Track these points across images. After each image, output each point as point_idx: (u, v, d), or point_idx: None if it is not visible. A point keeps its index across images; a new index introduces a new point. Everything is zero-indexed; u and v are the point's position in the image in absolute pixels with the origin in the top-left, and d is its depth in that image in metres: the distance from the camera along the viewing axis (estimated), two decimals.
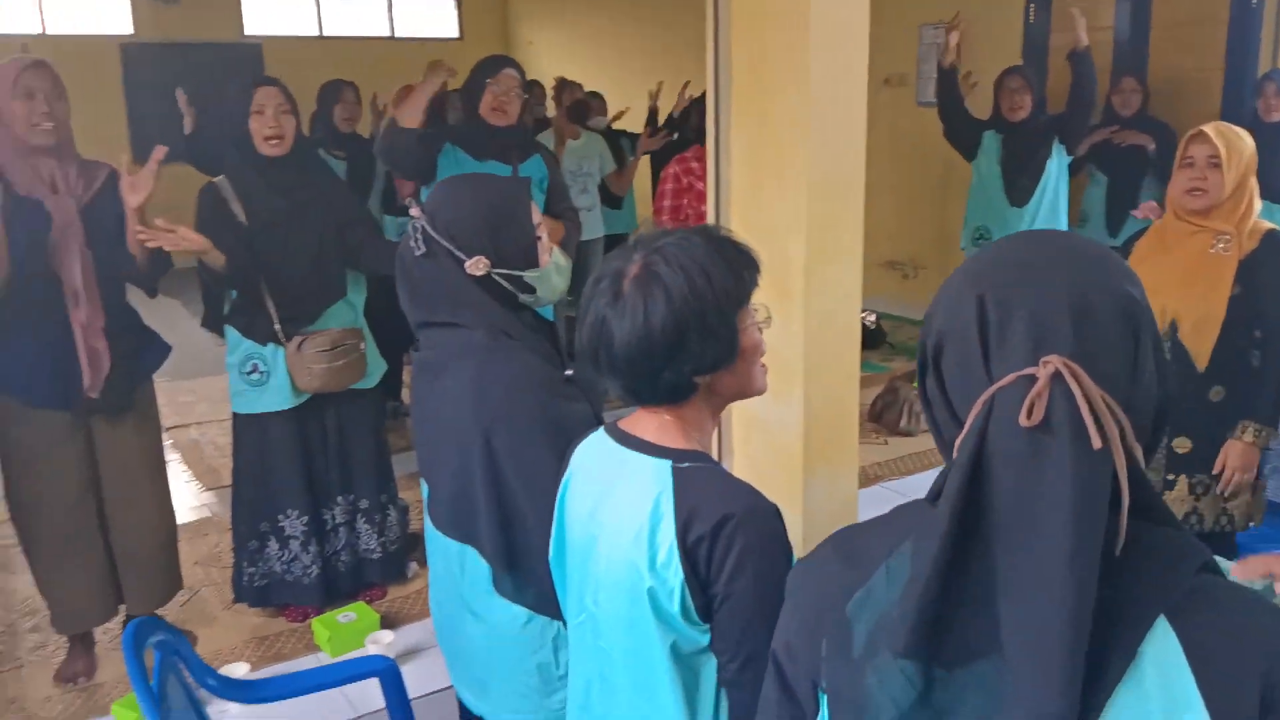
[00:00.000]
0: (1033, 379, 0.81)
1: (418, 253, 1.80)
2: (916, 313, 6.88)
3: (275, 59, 9.96)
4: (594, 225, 5.59)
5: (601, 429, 1.47)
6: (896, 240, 7.24)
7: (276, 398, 3.01)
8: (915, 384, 4.16)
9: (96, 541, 2.91)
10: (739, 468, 3.47)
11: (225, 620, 3.23)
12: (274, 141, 2.93)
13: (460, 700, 1.94)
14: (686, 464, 1.34)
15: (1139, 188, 4.95)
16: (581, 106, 5.67)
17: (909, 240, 7.25)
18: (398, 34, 11.09)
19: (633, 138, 6.43)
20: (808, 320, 3.16)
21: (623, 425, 1.43)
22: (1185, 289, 2.75)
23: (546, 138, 5.60)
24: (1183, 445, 2.77)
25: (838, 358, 3.26)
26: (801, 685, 0.96)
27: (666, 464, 1.34)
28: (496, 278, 1.79)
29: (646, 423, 1.40)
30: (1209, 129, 2.82)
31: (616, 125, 6.72)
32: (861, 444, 4.76)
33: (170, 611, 3.19)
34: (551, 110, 6.64)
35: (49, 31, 9.52)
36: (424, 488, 1.91)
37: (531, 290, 1.83)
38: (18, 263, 2.63)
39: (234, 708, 2.69)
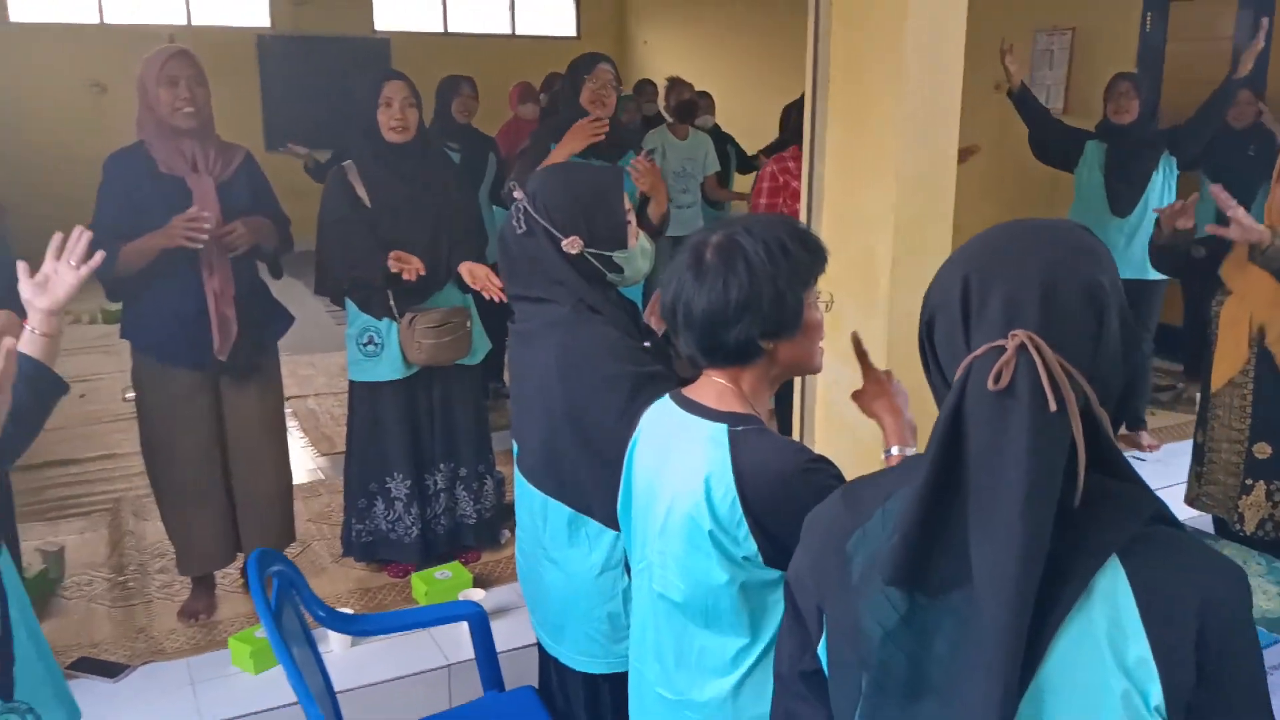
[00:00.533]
0: (1002, 349, 0.94)
1: (519, 231, 1.98)
2: None
3: (402, 53, 10.37)
4: (692, 223, 5.74)
5: (667, 395, 1.62)
6: None
7: (388, 368, 3.23)
8: None
9: (220, 492, 3.17)
10: (819, 448, 3.58)
11: (333, 572, 3.48)
12: (399, 131, 3.15)
13: (539, 643, 2.11)
14: (741, 427, 1.48)
15: (1251, 200, 4.87)
16: (689, 105, 5.81)
17: None
18: (518, 31, 11.42)
19: (737, 145, 6.56)
20: (892, 315, 3.25)
21: (686, 392, 1.58)
22: (1273, 298, 2.76)
23: (659, 135, 5.77)
24: (1262, 450, 2.78)
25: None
26: (809, 612, 1.10)
27: (723, 427, 1.48)
28: (588, 256, 1.95)
29: (707, 390, 1.54)
30: None
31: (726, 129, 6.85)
32: None
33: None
34: (662, 107, 6.80)
35: (193, 23, 10.08)
36: (514, 446, 2.09)
37: (619, 270, 1.99)
38: (136, 256, 2.86)
39: (337, 644, 2.93)
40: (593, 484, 1.87)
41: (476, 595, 3.12)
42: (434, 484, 3.37)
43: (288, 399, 5.08)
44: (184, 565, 3.24)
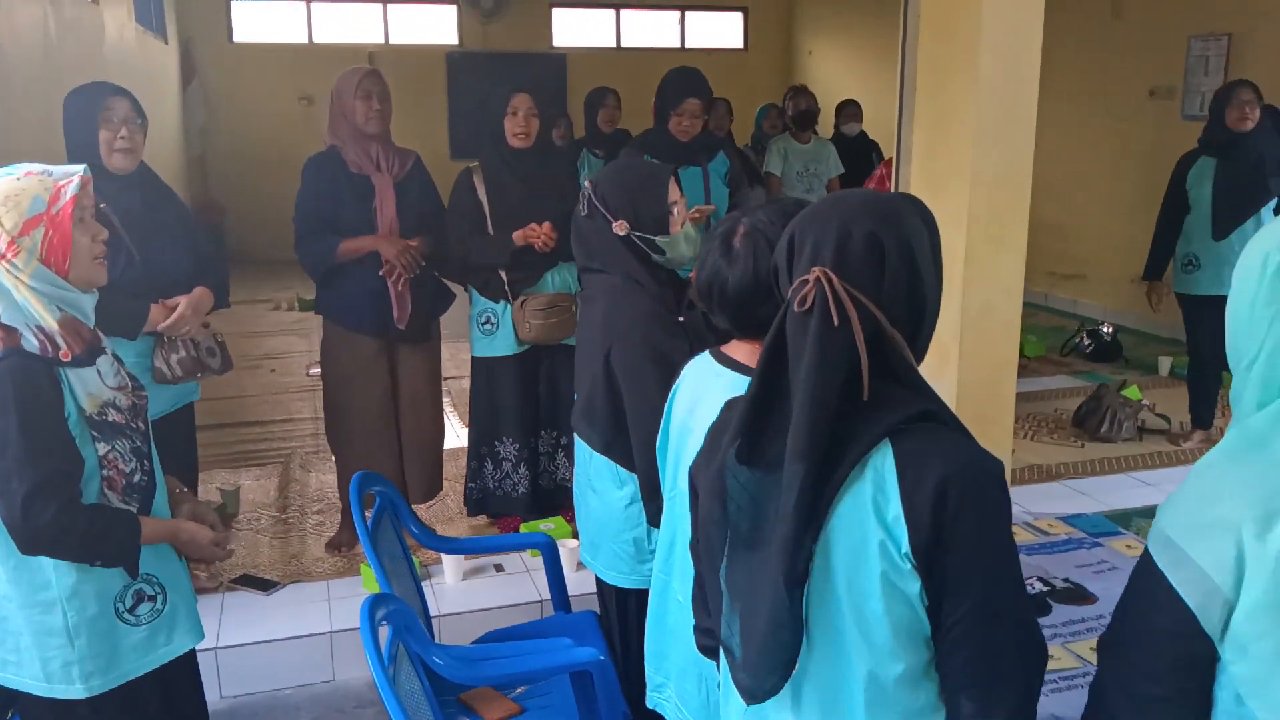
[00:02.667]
0: (807, 281, 1.25)
1: (583, 214, 2.37)
2: (1163, 330, 6.72)
3: (578, 68, 11.01)
4: None
5: (706, 351, 1.92)
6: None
7: (503, 345, 3.68)
8: (1122, 392, 4.36)
9: (393, 438, 3.68)
10: None
11: (459, 521, 3.97)
12: (521, 138, 3.59)
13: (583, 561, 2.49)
14: None
15: None
16: (807, 114, 6.11)
17: None
18: (688, 45, 11.87)
19: (881, 152, 6.76)
20: (965, 308, 3.46)
21: (723, 349, 1.88)
22: None
23: (781, 140, 6.07)
24: None
25: (994, 346, 3.54)
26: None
27: (748, 379, 1.79)
28: (634, 238, 2.32)
29: (740, 349, 1.82)
30: None
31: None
32: (1059, 445, 4.92)
33: (421, 510, 3.97)
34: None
35: (391, 41, 11.03)
36: (575, 395, 2.47)
37: (662, 252, 2.34)
38: (349, 221, 3.43)
39: (450, 575, 3.40)
40: (614, 430, 2.22)
41: (571, 544, 3.51)
42: (539, 448, 3.80)
43: (445, 379, 5.68)
44: (347, 498, 3.75)
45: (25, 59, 4.73)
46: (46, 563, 1.84)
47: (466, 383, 6.06)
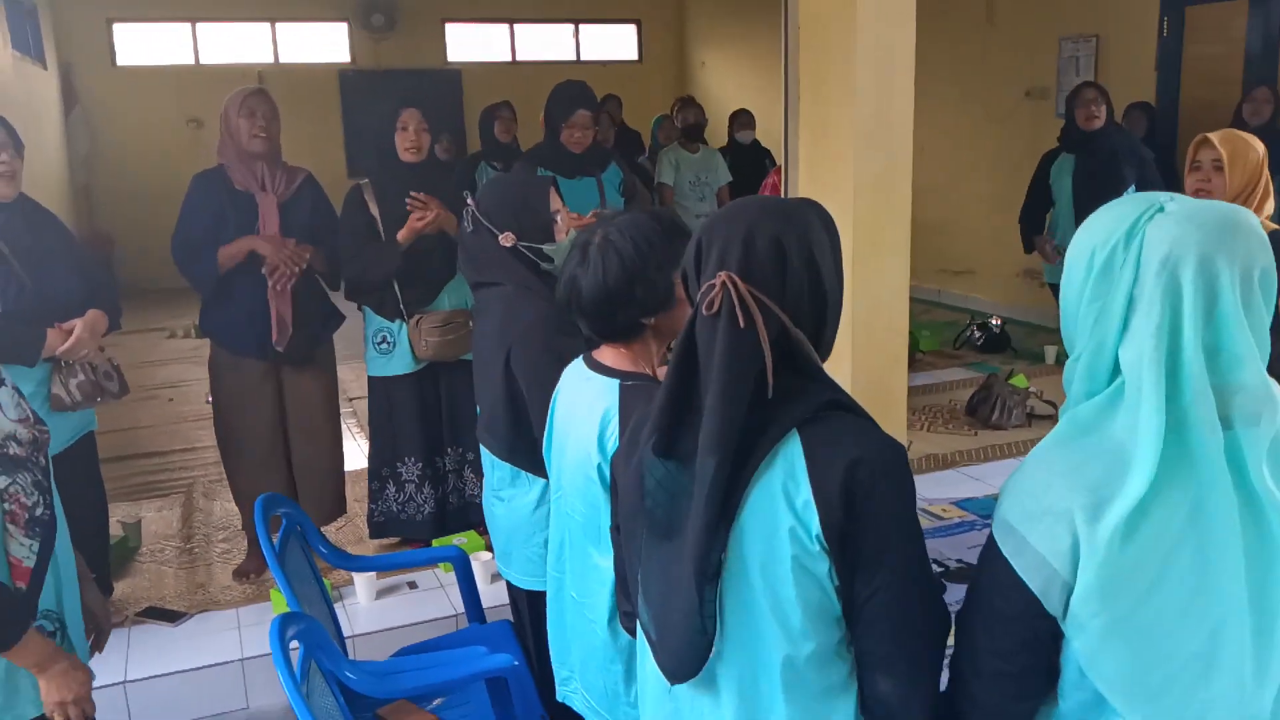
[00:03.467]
0: (713, 286, 1.32)
1: (468, 230, 2.42)
2: (1048, 320, 7.02)
3: (473, 82, 11.01)
4: None
5: (580, 357, 2.01)
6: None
7: (400, 364, 3.69)
8: (1010, 381, 4.60)
9: (282, 463, 3.65)
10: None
11: (369, 543, 3.96)
12: (412, 152, 3.62)
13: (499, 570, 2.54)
14: (630, 382, 1.87)
15: None
16: (695, 126, 6.27)
17: None
18: (583, 58, 11.96)
19: (774, 158, 6.94)
20: (854, 309, 3.58)
21: (593, 354, 1.96)
22: None
23: (672, 151, 6.20)
24: None
25: (883, 344, 3.68)
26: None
27: (615, 382, 1.87)
28: (521, 249, 2.38)
29: (607, 354, 1.93)
30: (1214, 135, 3.05)
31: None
32: (952, 434, 5.12)
33: (329, 532, 3.95)
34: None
35: (281, 60, 10.88)
36: (479, 409, 2.52)
37: (551, 260, 2.40)
38: (230, 239, 3.40)
39: (363, 596, 3.40)
40: (516, 436, 2.28)
41: (484, 557, 3.55)
42: (444, 466, 3.81)
43: (353, 399, 5.64)
44: (249, 528, 3.72)
45: None
46: None
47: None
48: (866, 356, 3.64)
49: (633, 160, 6.39)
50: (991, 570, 1.22)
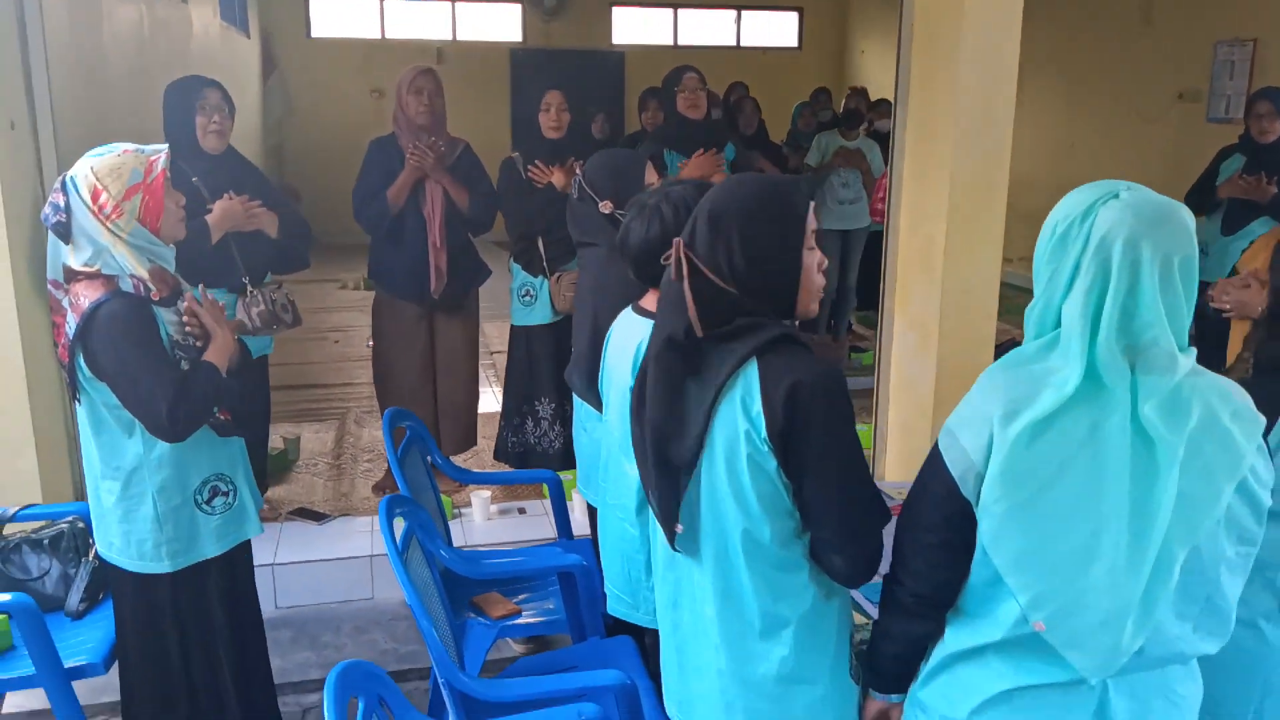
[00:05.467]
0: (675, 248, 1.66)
1: (574, 196, 2.81)
2: None
3: (635, 64, 11.45)
4: (858, 217, 6.37)
5: (630, 305, 2.35)
6: None
7: (540, 314, 4.15)
8: None
9: (429, 395, 4.17)
10: (892, 415, 4.20)
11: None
12: (554, 130, 4.05)
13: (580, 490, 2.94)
14: None
15: None
16: (854, 113, 6.42)
17: None
18: (743, 44, 12.24)
19: None
20: (945, 292, 3.82)
21: (640, 302, 2.31)
22: None
23: (828, 137, 6.39)
24: None
25: (971, 326, 3.88)
26: None
27: (650, 322, 2.19)
28: (618, 215, 2.75)
29: (650, 299, 2.24)
30: None
31: None
32: None
33: (462, 459, 4.45)
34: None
35: (458, 38, 11.58)
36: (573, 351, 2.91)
37: None
38: (396, 194, 3.91)
39: (479, 514, 3.88)
40: (592, 380, 2.65)
41: None
42: (570, 410, 4.23)
43: (494, 353, 6.18)
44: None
45: (122, 55, 5.31)
46: (141, 464, 2.32)
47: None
48: (954, 337, 3.85)
49: (766, 142, 6.61)
50: (930, 461, 1.53)
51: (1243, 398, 1.46)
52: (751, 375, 1.61)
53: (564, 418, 4.24)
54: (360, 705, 1.68)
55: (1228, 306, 2.91)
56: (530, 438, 4.27)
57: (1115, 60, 7.76)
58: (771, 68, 11.42)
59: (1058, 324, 1.48)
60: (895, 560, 1.60)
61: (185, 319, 2.32)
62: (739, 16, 12.22)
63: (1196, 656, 1.52)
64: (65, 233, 2.24)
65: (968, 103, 3.70)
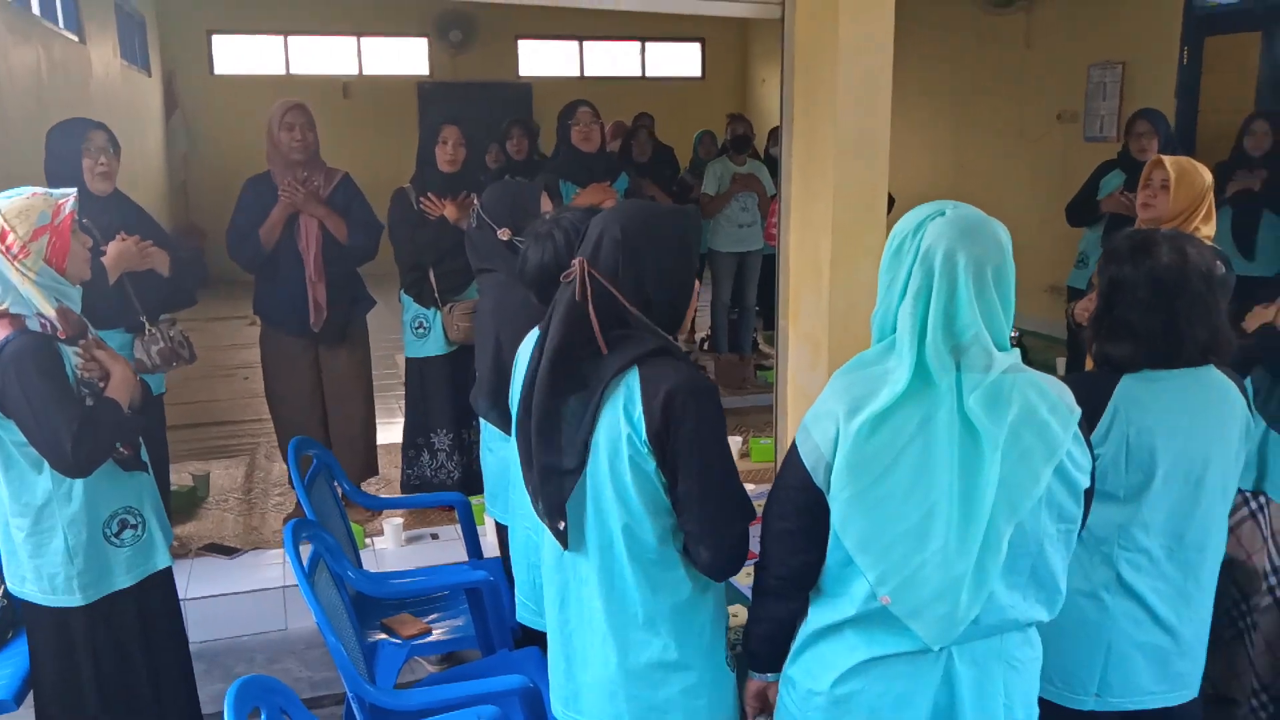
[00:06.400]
0: (574, 267, 1.78)
1: (473, 225, 2.92)
2: (1065, 333, 7.29)
3: (543, 95, 11.59)
4: (754, 239, 6.56)
5: (537, 326, 2.46)
6: (1058, 266, 7.65)
7: (434, 345, 4.23)
8: None
9: (319, 427, 4.22)
10: (790, 426, 4.37)
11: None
12: (450, 164, 4.16)
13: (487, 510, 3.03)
14: None
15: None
16: (742, 139, 6.60)
17: (1069, 267, 7.64)
18: (649, 74, 12.49)
19: None
20: (832, 305, 4.00)
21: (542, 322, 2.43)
22: None
23: (720, 163, 6.59)
24: None
25: (858, 338, 4.04)
26: None
27: None
28: (515, 242, 2.86)
29: None
30: (1168, 160, 3.40)
31: None
32: None
33: (374, 487, 4.50)
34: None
35: (365, 72, 11.61)
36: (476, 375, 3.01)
37: None
38: (267, 232, 3.97)
39: (392, 541, 3.94)
40: (495, 398, 2.76)
41: None
42: (469, 437, 4.33)
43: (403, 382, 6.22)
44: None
45: (19, 98, 5.28)
46: (51, 499, 2.35)
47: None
48: (842, 351, 4.03)
49: (667, 173, 6.79)
50: (788, 457, 1.68)
51: (1059, 391, 1.64)
52: (633, 383, 1.73)
53: (462, 446, 4.32)
54: (263, 716, 1.76)
55: (1083, 321, 3.12)
56: (426, 470, 4.34)
57: (998, 83, 8.14)
58: (677, 97, 11.68)
59: (894, 328, 1.64)
60: (762, 548, 1.74)
61: (83, 360, 2.37)
62: (643, 48, 12.47)
63: (1031, 624, 1.68)
64: None
65: (846, 122, 3.91)
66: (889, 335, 1.66)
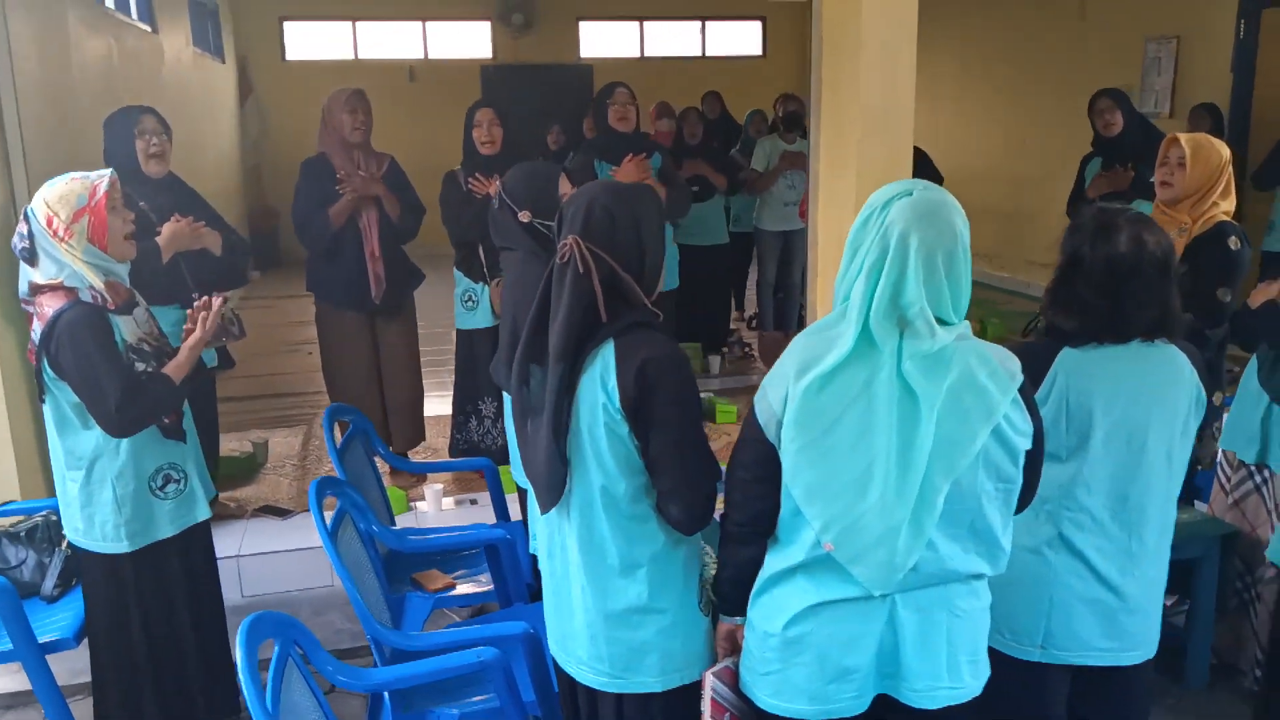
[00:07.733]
0: (566, 244, 1.93)
1: (495, 206, 3.09)
2: None
3: (603, 77, 11.71)
4: (795, 217, 6.62)
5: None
6: None
7: (482, 318, 4.43)
8: None
9: (376, 397, 4.47)
10: None
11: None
12: (488, 145, 4.34)
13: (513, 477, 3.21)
14: None
15: None
16: (794, 116, 6.65)
17: None
18: (708, 53, 12.55)
19: None
20: None
21: None
22: None
23: (770, 141, 6.64)
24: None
25: None
26: None
27: None
28: (535, 224, 3.03)
29: None
30: (1183, 136, 3.42)
31: None
32: None
33: (421, 455, 4.74)
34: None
35: (430, 56, 11.88)
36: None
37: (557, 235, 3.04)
38: (338, 214, 4.21)
39: (432, 505, 4.16)
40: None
41: None
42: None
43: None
44: None
45: (91, 86, 5.59)
46: (101, 454, 2.59)
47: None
48: None
49: (720, 151, 6.86)
50: (748, 415, 1.83)
51: (1003, 359, 1.75)
52: (609, 354, 1.87)
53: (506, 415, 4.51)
54: (275, 647, 1.95)
55: None
56: (474, 435, 4.55)
57: (1052, 57, 8.06)
58: (737, 76, 11.72)
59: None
60: (726, 497, 1.89)
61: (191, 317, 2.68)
62: (704, 27, 12.53)
63: (974, 576, 1.79)
64: (31, 257, 2.52)
65: (870, 103, 3.99)
66: (845, 301, 1.79)
